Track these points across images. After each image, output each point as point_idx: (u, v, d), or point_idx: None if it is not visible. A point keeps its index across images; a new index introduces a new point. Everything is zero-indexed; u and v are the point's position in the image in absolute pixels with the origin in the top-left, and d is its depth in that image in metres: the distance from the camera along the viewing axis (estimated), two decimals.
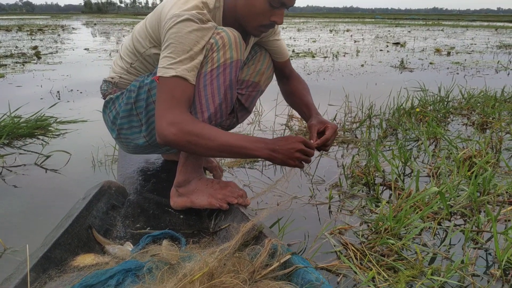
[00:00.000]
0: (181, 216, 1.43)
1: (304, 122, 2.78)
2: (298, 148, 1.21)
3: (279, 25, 1.39)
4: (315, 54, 7.59)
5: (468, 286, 1.14)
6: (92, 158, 2.08)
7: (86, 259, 1.06)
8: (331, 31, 16.92)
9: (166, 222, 1.39)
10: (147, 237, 1.21)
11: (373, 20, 40.16)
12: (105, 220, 1.32)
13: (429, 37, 13.14)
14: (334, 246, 1.34)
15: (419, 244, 1.34)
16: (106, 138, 2.34)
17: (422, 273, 1.19)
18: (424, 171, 1.96)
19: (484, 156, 1.99)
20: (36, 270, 0.97)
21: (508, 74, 5.28)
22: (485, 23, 29.19)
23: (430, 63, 6.36)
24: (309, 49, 8.57)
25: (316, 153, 2.03)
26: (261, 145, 1.20)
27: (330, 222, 1.50)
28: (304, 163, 1.26)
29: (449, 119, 2.93)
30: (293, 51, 8.05)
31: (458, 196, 1.64)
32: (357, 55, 7.59)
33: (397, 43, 10.41)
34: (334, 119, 2.85)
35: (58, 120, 2.76)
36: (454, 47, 9.34)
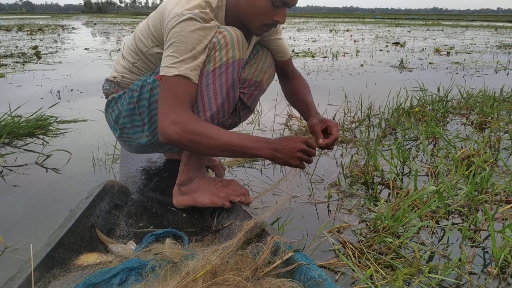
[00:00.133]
0: (184, 215, 1.44)
1: (303, 121, 2.79)
2: (300, 148, 1.21)
3: (281, 25, 1.40)
4: (315, 54, 7.60)
5: (465, 284, 1.15)
6: (93, 157, 2.09)
7: (89, 258, 1.07)
8: (331, 31, 16.92)
9: (169, 221, 1.40)
10: (150, 235, 1.21)
11: (373, 20, 40.16)
12: (108, 219, 1.33)
13: (428, 37, 13.15)
14: (333, 244, 1.35)
15: (417, 243, 1.35)
16: (107, 138, 2.35)
17: (420, 271, 1.19)
18: (422, 170, 1.97)
19: (482, 156, 2.00)
20: (40, 269, 0.97)
21: (507, 74, 5.28)
22: (485, 23, 29.18)
23: (430, 63, 6.37)
24: (309, 49, 8.57)
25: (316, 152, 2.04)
26: (263, 145, 1.21)
27: (329, 220, 1.51)
28: (305, 163, 1.26)
29: (448, 119, 2.94)
30: (293, 51, 8.06)
31: (456, 195, 1.65)
32: (356, 55, 7.59)
33: (396, 43, 10.41)
34: (333, 118, 2.86)
35: (58, 120, 2.76)
36: (453, 47, 9.35)
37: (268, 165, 2.06)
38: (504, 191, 1.70)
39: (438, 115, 2.96)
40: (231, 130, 1.59)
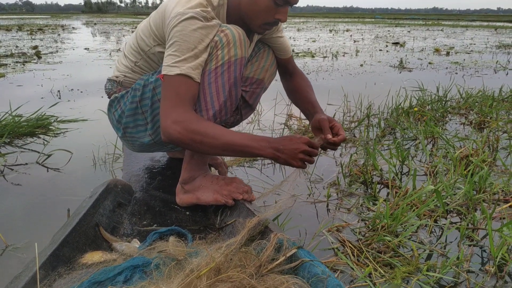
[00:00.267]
0: (187, 213, 1.45)
1: (303, 121, 2.80)
2: (302, 149, 1.21)
3: (283, 23, 1.40)
4: (315, 54, 7.61)
5: (463, 282, 1.16)
6: (93, 156, 2.10)
7: (94, 257, 1.08)
8: (330, 31, 16.93)
9: (172, 219, 1.41)
10: (153, 234, 1.22)
11: (373, 20, 40.16)
12: (112, 217, 1.34)
13: (428, 37, 13.15)
14: (332, 243, 1.36)
15: (415, 241, 1.36)
16: (107, 137, 2.36)
17: (418, 269, 1.20)
18: (421, 169, 1.98)
19: (481, 155, 2.01)
20: (45, 268, 0.98)
21: (507, 74, 5.29)
22: (485, 23, 29.19)
23: (429, 63, 6.37)
24: (308, 49, 8.58)
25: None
26: (265, 144, 1.21)
27: (328, 219, 1.52)
28: (307, 163, 1.26)
29: (447, 119, 2.95)
30: (292, 51, 8.02)
31: (454, 194, 1.66)
32: (356, 55, 7.60)
33: (396, 43, 10.42)
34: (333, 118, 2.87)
35: (58, 119, 2.77)
36: (453, 47, 9.36)
37: (268, 165, 2.07)
38: (502, 191, 1.71)
39: (437, 114, 2.97)
40: (233, 129, 1.60)
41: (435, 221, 1.49)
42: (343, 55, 7.53)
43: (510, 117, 2.91)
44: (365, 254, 1.27)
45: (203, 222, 1.40)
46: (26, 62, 6.09)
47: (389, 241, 1.31)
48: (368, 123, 2.79)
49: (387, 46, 9.81)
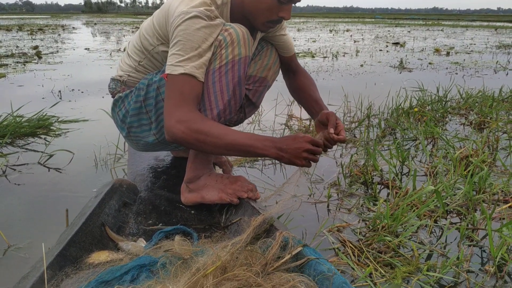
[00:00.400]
0: (192, 212, 1.46)
1: (303, 121, 2.81)
2: (306, 148, 1.20)
3: (286, 21, 1.40)
4: (315, 54, 7.61)
5: (463, 282, 1.17)
6: (95, 157, 2.11)
7: (100, 256, 1.08)
8: (331, 31, 16.93)
9: (177, 218, 1.42)
10: (159, 233, 1.23)
11: (373, 20, 40.15)
12: (117, 217, 1.34)
13: (428, 37, 13.16)
14: (333, 243, 1.36)
15: (416, 242, 1.37)
16: (108, 137, 2.37)
17: (418, 269, 1.21)
18: (421, 170, 1.99)
19: (481, 156, 2.02)
20: (52, 268, 0.99)
21: (507, 74, 5.30)
22: (485, 23, 29.18)
23: (429, 63, 6.38)
24: (308, 49, 8.59)
25: None
26: (269, 144, 1.21)
27: (328, 220, 1.53)
28: (311, 162, 1.26)
29: (447, 119, 2.96)
30: None
31: (454, 195, 1.67)
32: (356, 55, 7.61)
33: (396, 43, 10.42)
34: None
35: (59, 120, 2.78)
36: (453, 47, 9.36)
37: (269, 165, 2.07)
38: (502, 191, 1.72)
39: (437, 115, 2.97)
40: (235, 128, 1.60)
41: (435, 221, 1.50)
42: (343, 55, 7.54)
43: (510, 118, 2.92)
44: (366, 254, 1.28)
45: (208, 221, 1.41)
46: (26, 62, 6.10)
47: (389, 241, 1.32)
48: (369, 123, 2.80)
49: (387, 46, 9.81)
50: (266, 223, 1.14)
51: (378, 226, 1.41)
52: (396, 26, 22.88)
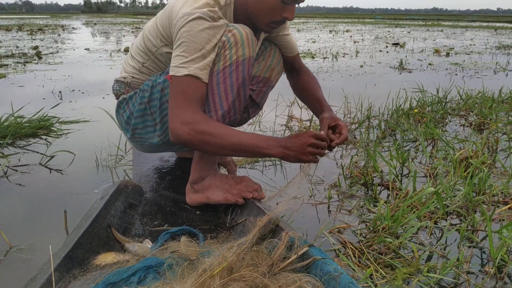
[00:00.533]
0: (198, 212, 1.46)
1: (304, 122, 2.82)
2: (310, 142, 1.20)
3: (290, 21, 1.40)
4: (315, 54, 7.62)
5: (463, 283, 1.17)
6: (96, 158, 2.11)
7: (107, 258, 1.09)
8: (330, 31, 16.93)
9: (183, 219, 1.42)
10: (165, 234, 1.23)
11: (372, 20, 40.16)
12: (123, 218, 1.35)
13: (428, 38, 13.17)
14: (333, 244, 1.37)
15: (416, 243, 1.37)
16: (110, 138, 2.37)
17: (419, 270, 1.22)
18: (421, 171, 1.99)
19: (481, 157, 2.02)
20: (60, 270, 0.99)
21: (507, 75, 5.30)
22: (485, 24, 29.20)
23: (429, 64, 6.39)
24: (308, 49, 8.59)
25: None
26: (274, 143, 1.21)
27: (329, 221, 1.53)
28: (318, 157, 1.25)
29: (447, 120, 2.96)
30: None
31: (454, 196, 1.68)
32: (356, 56, 7.61)
33: (396, 44, 10.43)
34: None
35: (60, 120, 2.78)
36: (453, 48, 9.37)
37: (269, 166, 2.08)
38: (502, 192, 1.73)
39: (437, 116, 2.98)
40: (239, 128, 1.61)
41: (435, 222, 1.51)
42: (343, 56, 7.54)
43: (510, 119, 2.92)
44: (366, 255, 1.28)
45: (213, 221, 1.41)
46: (27, 62, 6.10)
47: (390, 243, 1.33)
48: (369, 124, 2.80)
49: (387, 47, 9.82)
50: (271, 224, 1.14)
51: (379, 228, 1.42)
52: (396, 27, 22.89)
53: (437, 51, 8.46)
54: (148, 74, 1.47)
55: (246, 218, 1.32)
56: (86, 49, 8.57)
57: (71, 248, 1.06)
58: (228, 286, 0.85)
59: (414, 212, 1.54)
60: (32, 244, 1.35)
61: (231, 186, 1.42)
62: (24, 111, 2.75)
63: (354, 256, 1.29)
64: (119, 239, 1.23)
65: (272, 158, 2.12)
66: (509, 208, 1.60)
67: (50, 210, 1.59)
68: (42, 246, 1.33)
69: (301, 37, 13.09)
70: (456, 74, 5.32)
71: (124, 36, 13.34)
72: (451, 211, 1.60)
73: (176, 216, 1.43)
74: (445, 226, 1.48)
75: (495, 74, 5.43)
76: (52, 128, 2.63)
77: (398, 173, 1.97)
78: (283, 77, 1.73)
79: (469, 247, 1.36)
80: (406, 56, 7.54)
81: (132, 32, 15.45)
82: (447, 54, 7.95)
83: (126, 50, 8.03)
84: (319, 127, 2.67)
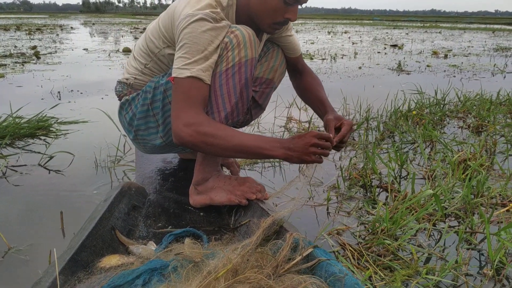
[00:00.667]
0: (201, 214, 1.46)
1: (303, 124, 2.82)
2: (312, 142, 1.20)
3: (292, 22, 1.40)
4: (313, 56, 7.63)
5: (461, 285, 1.18)
6: (95, 158, 2.11)
7: (112, 260, 1.09)
8: (329, 32, 16.95)
9: (186, 220, 1.42)
10: (169, 235, 1.23)
11: (371, 21, 40.20)
12: (127, 220, 1.35)
13: (426, 39, 13.19)
14: (332, 246, 1.37)
15: (415, 245, 1.38)
16: (108, 139, 2.37)
17: (417, 272, 1.22)
18: (420, 173, 2.00)
19: (479, 159, 2.03)
20: (64, 273, 0.99)
21: (504, 77, 5.32)
22: (483, 26, 29.28)
23: (427, 66, 6.40)
24: (307, 51, 8.60)
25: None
26: (277, 145, 1.21)
27: (328, 223, 1.54)
28: (322, 157, 1.25)
29: (445, 122, 2.97)
30: None
31: (452, 198, 1.68)
32: (355, 57, 7.63)
33: (394, 45, 10.45)
34: None
35: (59, 121, 2.78)
36: (451, 50, 9.39)
37: (268, 167, 2.08)
38: (500, 195, 1.73)
39: (435, 118, 2.99)
40: (241, 130, 1.60)
41: (434, 224, 1.51)
42: (342, 57, 7.56)
43: (508, 121, 2.94)
44: (365, 257, 1.29)
45: (217, 223, 1.41)
46: (25, 62, 6.09)
47: (388, 245, 1.33)
48: (367, 126, 2.81)
49: (385, 48, 9.84)
50: (275, 225, 1.14)
51: (378, 229, 1.43)
52: (394, 28, 22.93)
53: (435, 53, 8.48)
54: (150, 75, 1.47)
55: (250, 219, 1.32)
56: (84, 49, 8.56)
57: (75, 251, 1.06)
58: None
59: (412, 214, 1.54)
60: (30, 245, 1.34)
61: (234, 187, 1.42)
62: (22, 111, 2.74)
63: (353, 258, 1.30)
64: (123, 241, 1.23)
65: (271, 160, 2.12)
66: (507, 211, 1.60)
67: (49, 211, 1.59)
68: (41, 247, 1.33)
69: (299, 38, 13.09)
70: (454, 76, 5.34)
71: (122, 36, 13.32)
72: (450, 213, 1.60)
73: (180, 218, 1.43)
74: (443, 228, 1.48)
75: (493, 76, 5.45)
76: (51, 129, 2.63)
77: (396, 175, 1.98)
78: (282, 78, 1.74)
79: (468, 249, 1.36)
80: (404, 58, 7.56)
81: (131, 32, 15.43)
82: (445, 56, 7.97)
83: (125, 50, 8.03)
84: (317, 128, 2.69)
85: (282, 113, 3.09)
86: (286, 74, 1.70)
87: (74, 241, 1.12)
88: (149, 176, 1.75)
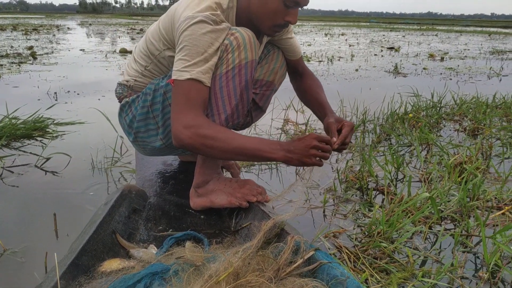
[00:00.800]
0: (202, 217, 1.46)
1: (300, 126, 2.83)
2: (312, 144, 1.20)
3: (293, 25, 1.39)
4: (310, 58, 7.65)
5: None
6: (92, 160, 2.10)
7: (112, 264, 1.08)
8: (326, 34, 16.99)
9: (187, 223, 1.42)
10: (170, 239, 1.22)
11: (368, 24, 40.30)
12: (127, 224, 1.34)
13: (423, 42, 13.24)
14: (329, 249, 1.37)
15: (411, 248, 1.38)
16: (105, 140, 2.37)
17: (413, 275, 1.23)
18: (416, 176, 2.01)
19: (475, 162, 2.04)
20: (65, 277, 0.98)
21: (500, 80, 5.35)
22: (479, 29, 29.41)
23: (424, 69, 6.43)
24: (304, 53, 8.61)
25: None
26: (277, 147, 1.21)
27: (325, 225, 1.54)
28: (323, 160, 1.25)
29: (441, 125, 2.99)
30: None
31: (448, 201, 1.69)
32: (351, 60, 7.65)
33: (391, 48, 10.48)
34: None
35: (55, 122, 2.77)
36: (447, 53, 9.43)
37: (265, 170, 2.08)
38: (495, 198, 1.74)
39: (431, 121, 3.00)
40: (242, 132, 1.60)
41: (430, 227, 1.52)
42: (339, 60, 7.57)
43: (504, 124, 2.95)
44: (362, 260, 1.29)
45: (218, 226, 1.41)
46: (21, 63, 6.07)
47: (385, 247, 1.34)
48: (364, 129, 2.82)
49: (382, 50, 9.87)
50: (276, 227, 1.14)
51: (374, 232, 1.43)
52: (391, 31, 23.00)
53: (431, 56, 8.52)
54: (150, 77, 1.47)
55: (251, 222, 1.32)
56: (81, 49, 8.55)
57: (76, 255, 1.05)
58: None
59: (409, 217, 1.54)
60: (26, 247, 1.34)
61: (235, 190, 1.42)
62: (19, 112, 2.73)
63: (350, 261, 1.30)
64: (124, 245, 1.22)
65: (268, 162, 2.12)
66: (502, 214, 1.61)
67: (45, 213, 1.58)
68: (36, 249, 1.33)
69: None
70: (451, 79, 5.36)
71: (119, 37, 13.30)
72: (446, 216, 1.61)
73: (181, 221, 1.43)
74: (439, 231, 1.49)
75: (489, 79, 5.48)
76: (47, 130, 2.63)
77: (393, 177, 1.99)
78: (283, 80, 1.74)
79: (463, 252, 1.37)
80: (401, 60, 7.59)
81: (128, 33, 15.42)
82: (442, 59, 8.00)
83: (121, 51, 8.02)
84: (314, 130, 2.69)
85: (279, 115, 3.10)
86: (286, 76, 1.70)
87: (75, 245, 1.12)
88: (150, 179, 1.75)
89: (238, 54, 1.26)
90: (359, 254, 1.32)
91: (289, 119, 2.99)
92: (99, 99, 3.66)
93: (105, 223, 1.23)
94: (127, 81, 1.51)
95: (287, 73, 1.67)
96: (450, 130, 2.88)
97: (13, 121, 2.54)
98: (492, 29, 28.51)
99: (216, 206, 1.43)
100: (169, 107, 1.35)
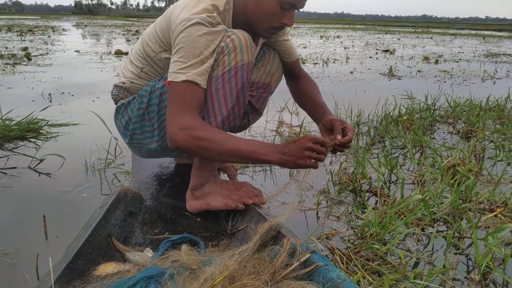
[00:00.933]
0: (198, 219, 1.45)
1: (294, 128, 2.83)
2: (307, 146, 1.19)
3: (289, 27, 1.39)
4: (305, 60, 7.66)
5: None
6: (85, 161, 2.10)
7: (108, 268, 1.07)
8: (321, 37, 17.03)
9: (183, 226, 1.41)
10: (166, 242, 1.22)
11: (363, 26, 40.44)
12: (123, 227, 1.33)
13: (418, 45, 13.30)
14: (321, 250, 1.38)
15: (403, 249, 1.39)
16: (99, 142, 2.36)
17: (405, 277, 1.23)
18: (409, 178, 2.02)
19: (467, 165, 2.05)
20: (60, 282, 0.97)
21: (494, 83, 5.38)
22: (473, 32, 29.58)
23: (418, 71, 6.45)
24: (299, 55, 8.63)
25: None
26: (272, 149, 1.21)
27: (317, 227, 1.54)
28: (318, 162, 1.24)
29: (435, 127, 3.00)
30: None
31: (441, 203, 1.70)
32: (346, 62, 7.67)
33: (386, 51, 10.52)
34: None
35: (49, 123, 2.76)
36: (442, 55, 9.48)
37: (259, 172, 2.09)
38: (488, 200, 1.75)
39: (425, 123, 3.01)
40: (237, 134, 1.60)
41: (422, 229, 1.52)
42: (334, 62, 7.59)
43: (497, 127, 2.97)
44: (354, 261, 1.30)
45: (214, 228, 1.41)
46: (16, 64, 6.05)
47: (377, 249, 1.34)
48: (358, 131, 2.82)
49: (377, 53, 9.90)
50: (273, 230, 1.13)
51: (366, 234, 1.43)
52: (386, 33, 23.09)
53: (426, 58, 8.56)
54: (147, 79, 1.47)
55: (247, 224, 1.32)
56: (76, 51, 8.52)
57: (71, 259, 1.04)
58: None
59: (401, 219, 1.55)
60: (17, 249, 1.33)
61: (231, 192, 1.42)
62: (13, 113, 2.72)
63: (342, 263, 1.30)
64: (120, 248, 1.21)
65: (262, 164, 2.12)
66: (495, 216, 1.62)
67: (37, 214, 1.57)
68: (28, 251, 1.32)
69: None
70: (445, 82, 5.39)
71: (114, 38, 13.28)
72: (438, 218, 1.62)
73: (177, 224, 1.42)
74: (432, 233, 1.49)
75: (483, 82, 5.51)
76: (41, 131, 2.62)
77: (386, 180, 1.99)
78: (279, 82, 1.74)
79: (455, 254, 1.38)
80: (395, 63, 7.61)
81: (123, 34, 15.39)
82: (436, 62, 8.04)
83: (117, 52, 8.00)
84: (308, 132, 2.70)
85: (273, 117, 3.10)
86: (283, 78, 1.70)
87: (70, 249, 1.10)
88: (146, 181, 1.74)
89: (234, 56, 1.26)
90: (352, 255, 1.32)
91: (284, 121, 2.99)
92: (93, 101, 3.65)
93: (101, 226, 1.22)
94: (123, 83, 1.51)
95: (283, 75, 1.67)
96: (444, 132, 2.89)
97: (6, 122, 2.53)
98: (486, 32, 28.68)
99: (213, 208, 1.43)
100: (165, 109, 1.35)
